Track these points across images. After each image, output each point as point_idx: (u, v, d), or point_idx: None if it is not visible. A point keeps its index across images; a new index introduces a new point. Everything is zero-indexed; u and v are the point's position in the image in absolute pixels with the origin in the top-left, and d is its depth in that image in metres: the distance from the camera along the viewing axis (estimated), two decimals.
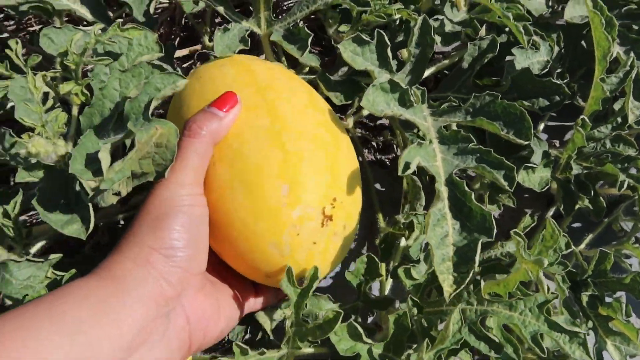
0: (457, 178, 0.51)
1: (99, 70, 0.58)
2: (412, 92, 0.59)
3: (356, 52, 0.60)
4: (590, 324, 0.63)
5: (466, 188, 0.50)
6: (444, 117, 0.58)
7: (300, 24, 0.64)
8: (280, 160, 0.49)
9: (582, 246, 0.77)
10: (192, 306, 0.47)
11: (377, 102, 0.56)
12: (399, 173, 0.51)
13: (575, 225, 0.83)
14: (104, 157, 0.45)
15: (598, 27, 0.60)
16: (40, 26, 0.89)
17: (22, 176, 0.46)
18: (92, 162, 0.47)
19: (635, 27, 0.78)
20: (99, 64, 0.56)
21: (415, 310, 0.51)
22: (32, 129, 0.52)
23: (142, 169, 0.47)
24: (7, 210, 0.46)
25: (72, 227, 0.46)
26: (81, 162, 0.46)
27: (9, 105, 0.63)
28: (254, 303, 0.57)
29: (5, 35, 0.88)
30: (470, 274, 0.46)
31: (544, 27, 0.78)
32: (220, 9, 0.65)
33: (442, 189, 0.51)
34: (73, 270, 0.50)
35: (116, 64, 0.57)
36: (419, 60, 0.63)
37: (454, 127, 0.61)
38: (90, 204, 0.46)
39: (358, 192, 0.55)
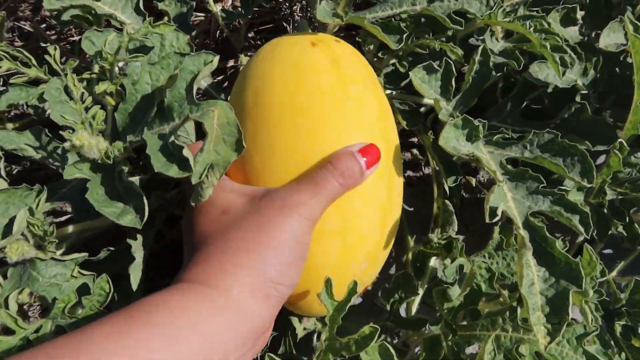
0: (535, 222, 0.50)
1: (132, 71, 0.58)
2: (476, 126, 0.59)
3: (424, 79, 0.61)
4: (623, 355, 0.62)
5: (547, 233, 0.49)
6: (500, 150, 0.58)
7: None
8: (376, 240, 0.53)
9: (614, 273, 0.75)
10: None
11: (449, 138, 0.56)
12: (487, 220, 0.50)
13: (606, 251, 0.82)
14: (188, 154, 0.44)
15: (639, 52, 0.59)
16: (80, 36, 0.91)
17: (70, 172, 0.47)
18: (168, 158, 0.46)
19: None
20: (132, 61, 0.57)
21: (450, 335, 0.50)
22: (68, 129, 0.52)
23: (220, 154, 0.45)
24: (32, 208, 0.46)
25: (127, 218, 0.46)
26: (160, 160, 0.46)
27: (47, 111, 0.64)
28: None
29: (48, 44, 0.90)
30: (564, 327, 0.44)
31: (585, 48, 0.77)
32: None
33: (522, 233, 0.50)
34: (104, 276, 0.50)
35: (146, 60, 0.58)
36: (473, 89, 0.64)
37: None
38: (143, 195, 0.46)
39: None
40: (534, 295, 0.47)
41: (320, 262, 0.50)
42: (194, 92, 0.48)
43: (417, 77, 0.62)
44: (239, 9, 0.90)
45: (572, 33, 0.81)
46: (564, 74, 0.68)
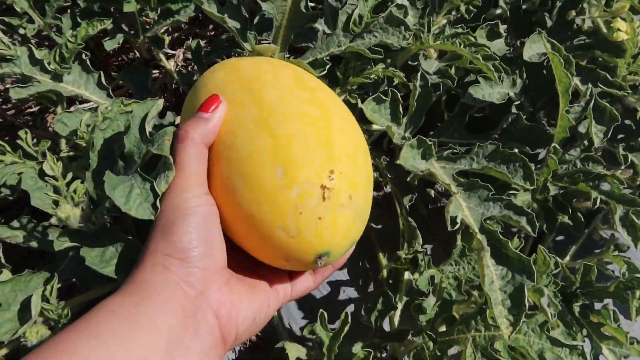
0: (489, 227, 0.56)
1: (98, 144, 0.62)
2: (429, 145, 0.65)
3: (375, 109, 0.67)
4: (584, 332, 0.69)
5: (500, 236, 0.55)
6: (451, 164, 0.65)
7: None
8: (270, 145, 0.50)
9: (567, 258, 0.83)
10: (218, 301, 0.48)
11: (407, 158, 0.62)
12: (449, 228, 0.56)
13: (559, 238, 0.90)
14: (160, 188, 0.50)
15: (558, 66, 0.67)
16: (38, 107, 0.93)
17: (59, 245, 0.50)
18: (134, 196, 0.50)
19: (588, 55, 0.87)
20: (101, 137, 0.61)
21: (430, 344, 0.56)
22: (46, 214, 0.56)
23: None
24: (46, 294, 0.50)
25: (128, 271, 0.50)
26: (135, 204, 0.49)
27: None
28: (289, 289, 0.57)
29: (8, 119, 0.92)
30: (522, 317, 0.50)
31: (507, 62, 0.86)
32: (246, 45, 0.67)
33: (480, 237, 0.56)
34: None
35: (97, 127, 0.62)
36: (419, 111, 0.71)
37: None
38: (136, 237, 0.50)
39: (362, 159, 0.54)
40: (494, 291, 0.53)
41: (240, 204, 0.50)
42: (147, 132, 0.52)
43: (369, 108, 0.68)
44: (192, 63, 0.95)
45: (499, 45, 0.89)
46: (501, 81, 0.76)
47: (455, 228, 0.58)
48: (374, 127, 0.81)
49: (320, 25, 0.71)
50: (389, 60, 0.75)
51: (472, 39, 0.74)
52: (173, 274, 0.46)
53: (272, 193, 0.49)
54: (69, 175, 0.57)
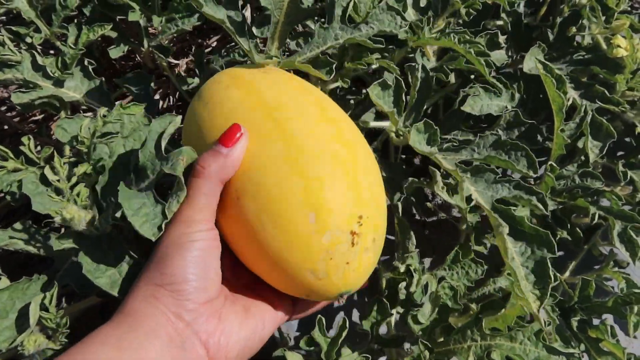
0: (501, 205, 0.55)
1: (100, 150, 0.63)
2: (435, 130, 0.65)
3: (379, 95, 0.67)
4: (582, 346, 0.68)
5: (514, 213, 0.54)
6: (452, 155, 0.64)
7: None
8: (302, 188, 0.49)
9: (567, 274, 0.83)
10: (207, 332, 0.48)
11: (415, 140, 0.62)
12: (463, 207, 0.56)
13: (559, 253, 0.89)
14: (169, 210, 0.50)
15: (550, 87, 0.68)
16: (42, 115, 0.94)
17: (59, 245, 0.50)
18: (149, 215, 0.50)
19: (587, 71, 0.87)
20: (107, 143, 0.61)
21: (427, 353, 0.56)
22: (48, 217, 0.56)
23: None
24: (45, 303, 0.50)
25: (124, 286, 0.50)
26: (137, 220, 0.50)
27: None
28: (291, 308, 0.57)
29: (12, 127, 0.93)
30: (549, 289, 0.50)
31: (507, 76, 0.87)
32: (243, 41, 0.66)
33: (495, 215, 0.55)
34: None
35: (117, 139, 0.62)
36: (418, 103, 0.71)
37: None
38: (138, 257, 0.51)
39: (381, 196, 0.55)
40: (517, 268, 0.53)
41: (268, 244, 0.50)
42: (163, 149, 0.53)
43: (374, 92, 0.67)
44: (195, 71, 0.96)
45: (499, 56, 0.90)
46: (489, 73, 0.76)
47: (471, 205, 0.56)
48: (371, 124, 0.81)
49: (312, 24, 0.72)
50: (385, 54, 0.76)
51: (468, 37, 0.75)
52: (163, 305, 0.46)
53: (305, 238, 0.49)
54: (74, 179, 0.57)
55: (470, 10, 0.80)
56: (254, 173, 0.50)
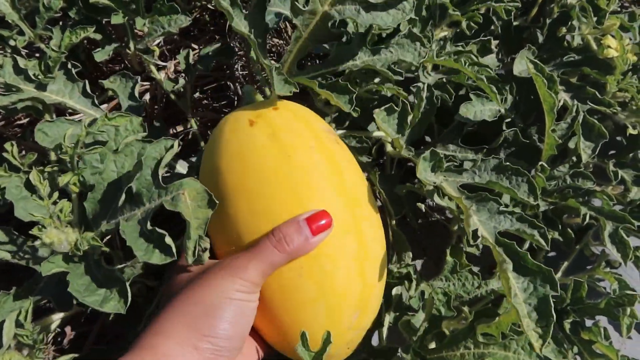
0: (505, 240, 0.55)
1: (90, 158, 0.61)
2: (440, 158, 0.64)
3: (384, 119, 0.66)
4: (575, 349, 0.68)
5: (517, 248, 0.54)
6: (454, 177, 0.64)
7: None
8: (359, 291, 0.55)
9: (559, 274, 0.82)
10: None
11: (422, 171, 0.61)
12: (471, 242, 0.56)
13: (550, 254, 0.89)
14: (170, 242, 0.49)
15: (542, 86, 0.67)
16: (27, 119, 0.92)
17: (47, 268, 0.49)
18: (148, 244, 0.50)
19: (578, 72, 0.87)
20: (90, 153, 0.60)
21: None
22: (33, 223, 0.55)
23: (200, 217, 0.50)
24: (20, 320, 0.48)
25: (110, 304, 0.49)
26: (141, 248, 0.49)
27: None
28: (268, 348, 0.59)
29: None
30: (552, 327, 0.50)
31: (495, 80, 0.86)
32: (262, 55, 0.65)
33: (498, 250, 0.54)
34: None
35: (105, 149, 0.61)
36: (420, 123, 0.71)
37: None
38: (126, 280, 0.49)
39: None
40: (519, 304, 0.52)
41: (311, 329, 0.52)
42: (160, 177, 0.52)
43: (379, 117, 0.67)
44: (182, 74, 0.95)
45: (490, 61, 0.90)
46: (502, 100, 0.76)
47: (478, 242, 0.57)
48: (375, 134, 0.80)
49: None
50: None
51: (474, 58, 0.75)
52: (200, 356, 0.46)
53: (343, 331, 0.55)
54: (55, 195, 0.55)
55: (472, 24, 0.79)
56: (326, 261, 0.53)
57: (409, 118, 0.69)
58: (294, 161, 0.54)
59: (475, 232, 0.56)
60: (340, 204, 0.55)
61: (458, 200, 0.59)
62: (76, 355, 0.54)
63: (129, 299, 0.49)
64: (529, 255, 0.53)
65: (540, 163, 0.68)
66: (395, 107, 0.67)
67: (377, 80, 0.73)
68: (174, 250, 0.48)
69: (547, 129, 0.69)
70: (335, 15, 0.62)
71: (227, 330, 0.47)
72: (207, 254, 0.50)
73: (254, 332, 0.57)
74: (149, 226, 0.50)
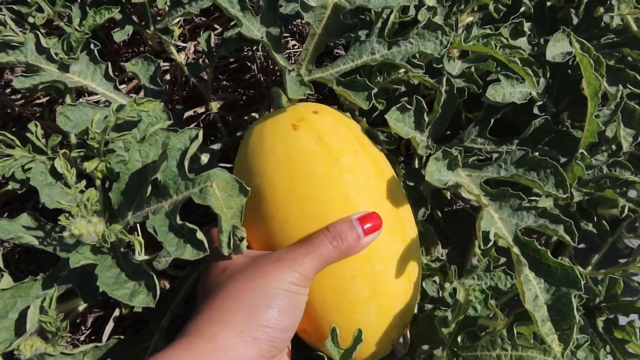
0: (525, 237, 0.53)
1: (115, 146, 0.60)
2: (455, 156, 0.62)
3: (399, 119, 0.63)
4: (607, 348, 0.65)
5: (537, 246, 0.52)
6: (477, 172, 0.61)
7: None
8: (405, 290, 0.57)
9: (590, 268, 0.79)
10: None
11: (433, 172, 0.59)
12: (482, 247, 0.54)
13: (580, 246, 0.86)
14: (202, 237, 0.49)
15: (588, 68, 0.63)
16: (47, 98, 0.91)
17: (76, 260, 0.48)
18: (179, 239, 0.49)
19: (615, 54, 0.82)
20: (120, 139, 0.59)
21: (452, 358, 0.53)
22: (60, 210, 0.53)
23: (233, 207, 0.49)
24: (45, 306, 0.47)
25: (139, 298, 0.48)
26: (173, 243, 0.49)
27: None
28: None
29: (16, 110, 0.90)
30: (574, 331, 0.47)
31: (530, 62, 0.82)
32: (278, 56, 0.65)
33: (515, 250, 0.52)
34: None
35: (130, 137, 0.60)
36: (443, 117, 0.67)
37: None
38: (153, 275, 0.48)
39: None
40: (539, 307, 0.49)
41: (364, 328, 0.53)
42: (186, 168, 0.50)
43: (392, 117, 0.64)
44: (203, 56, 0.92)
45: (522, 44, 0.85)
46: (537, 83, 0.72)
47: (489, 246, 0.54)
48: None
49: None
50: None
51: (505, 41, 0.71)
52: (258, 348, 0.45)
53: (390, 330, 0.56)
54: (82, 183, 0.54)
55: (500, 6, 0.75)
56: (377, 262, 0.54)
57: (425, 114, 0.65)
58: (343, 165, 0.55)
59: (486, 235, 0.54)
60: (387, 206, 0.56)
61: (478, 197, 0.57)
62: (99, 344, 0.53)
63: (158, 292, 0.48)
64: (549, 253, 0.51)
65: (580, 151, 0.65)
66: (409, 106, 0.64)
67: (402, 70, 0.70)
68: (206, 245, 0.47)
69: (589, 114, 0.65)
70: (345, 5, 0.60)
71: (284, 322, 0.47)
72: (245, 243, 0.50)
73: None
74: (178, 220, 0.49)
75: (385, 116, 0.62)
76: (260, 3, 0.78)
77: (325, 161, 0.55)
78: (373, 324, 0.54)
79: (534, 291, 0.50)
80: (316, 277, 0.52)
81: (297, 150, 0.56)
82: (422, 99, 0.64)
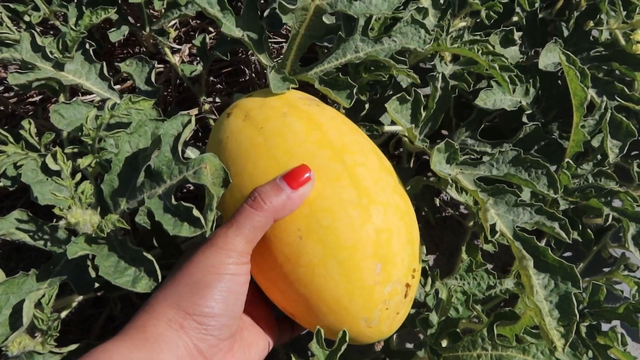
0: (524, 234, 0.53)
1: (106, 144, 0.60)
2: (455, 149, 0.62)
3: (397, 109, 0.64)
4: (590, 353, 0.66)
5: (537, 243, 0.52)
6: (470, 169, 0.61)
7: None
8: (373, 239, 0.50)
9: None
10: None
11: (436, 162, 0.59)
12: (489, 238, 0.54)
13: (566, 254, 0.87)
14: (198, 214, 0.48)
15: (573, 79, 0.65)
16: (40, 97, 0.91)
17: (73, 251, 0.48)
18: (175, 218, 0.49)
19: (604, 67, 0.84)
20: (113, 136, 0.59)
21: (434, 358, 0.54)
22: (52, 206, 0.54)
23: (213, 193, 0.49)
24: (42, 302, 0.47)
25: (142, 283, 0.48)
26: (170, 223, 0.48)
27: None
28: (290, 333, 0.59)
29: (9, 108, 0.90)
30: (574, 327, 0.48)
31: (521, 70, 0.84)
32: (261, 56, 0.65)
33: (517, 246, 0.53)
34: None
35: (122, 134, 0.60)
36: (436, 114, 0.68)
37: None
38: (153, 260, 0.49)
39: (422, 250, 0.58)
40: (540, 302, 0.50)
41: (329, 292, 0.50)
42: (180, 152, 0.51)
43: (392, 107, 0.64)
44: (197, 58, 0.93)
45: (513, 53, 0.87)
46: (513, 91, 0.73)
47: (496, 237, 0.55)
48: (386, 128, 0.78)
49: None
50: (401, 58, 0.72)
51: (490, 47, 0.72)
52: (187, 336, 0.45)
53: (368, 287, 0.50)
54: (78, 176, 0.54)
55: (491, 13, 0.76)
56: (323, 215, 0.49)
57: (423, 108, 0.66)
58: (267, 130, 0.54)
59: (493, 226, 0.54)
60: (325, 155, 0.52)
61: (474, 193, 0.58)
62: (87, 341, 0.53)
63: (159, 276, 0.48)
64: (549, 251, 0.52)
65: (566, 160, 0.66)
66: (408, 97, 0.65)
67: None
68: (203, 222, 0.47)
69: (575, 124, 0.66)
70: (327, 8, 0.61)
71: (213, 309, 0.45)
72: None
73: (267, 321, 0.57)
74: (173, 201, 0.49)
75: (385, 105, 0.62)
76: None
77: (250, 133, 0.54)
78: (339, 284, 0.49)
79: (535, 287, 0.50)
80: (265, 249, 0.50)
81: (227, 133, 0.56)
82: (420, 92, 0.65)
